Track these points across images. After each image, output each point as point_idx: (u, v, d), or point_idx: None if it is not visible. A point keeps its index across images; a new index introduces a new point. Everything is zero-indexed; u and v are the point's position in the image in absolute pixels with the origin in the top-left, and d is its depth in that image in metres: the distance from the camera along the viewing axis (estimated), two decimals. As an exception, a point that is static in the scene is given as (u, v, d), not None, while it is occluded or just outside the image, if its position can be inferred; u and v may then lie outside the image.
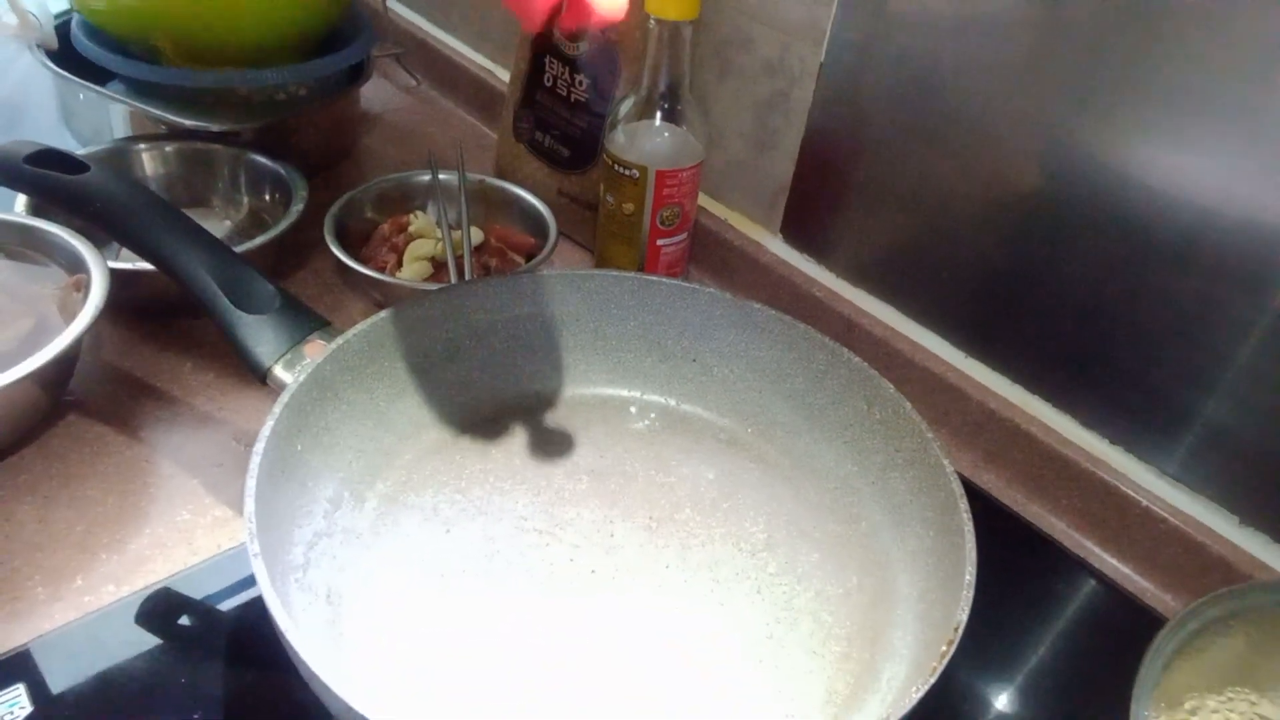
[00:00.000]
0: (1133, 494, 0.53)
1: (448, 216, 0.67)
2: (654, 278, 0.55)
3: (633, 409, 0.56)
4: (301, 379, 0.44)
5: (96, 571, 0.47)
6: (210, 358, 0.59)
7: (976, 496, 0.44)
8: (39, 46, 0.69)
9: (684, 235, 0.66)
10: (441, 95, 0.92)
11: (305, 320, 0.47)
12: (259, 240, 0.60)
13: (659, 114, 0.61)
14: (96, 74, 0.69)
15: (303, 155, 0.70)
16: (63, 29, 0.70)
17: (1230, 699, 0.35)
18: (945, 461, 0.44)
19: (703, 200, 0.71)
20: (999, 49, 0.52)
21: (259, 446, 0.40)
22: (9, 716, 0.41)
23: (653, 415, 0.55)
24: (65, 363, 0.52)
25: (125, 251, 0.61)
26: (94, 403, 0.56)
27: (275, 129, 0.70)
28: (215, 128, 0.67)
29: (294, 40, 0.71)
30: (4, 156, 0.48)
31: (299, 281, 0.66)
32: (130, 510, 0.50)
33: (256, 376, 0.46)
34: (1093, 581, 0.54)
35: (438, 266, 0.65)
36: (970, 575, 0.39)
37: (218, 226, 0.69)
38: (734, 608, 0.45)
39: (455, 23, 0.92)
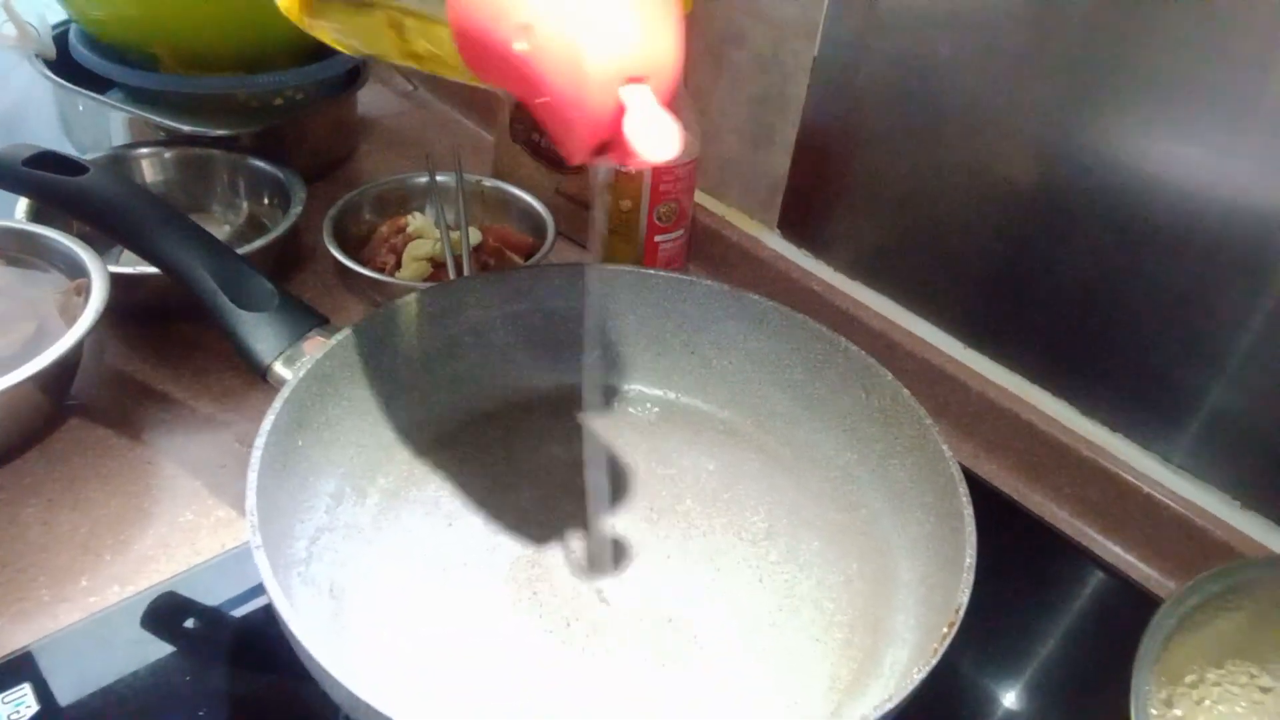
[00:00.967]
0: (1134, 481, 0.54)
1: (446, 217, 0.67)
2: (651, 271, 0.55)
3: (632, 402, 0.56)
4: (301, 375, 0.44)
5: (101, 572, 0.47)
6: (211, 361, 0.59)
7: (977, 486, 0.44)
8: (38, 56, 0.69)
9: (681, 231, 0.66)
10: (438, 99, 0.92)
11: (304, 318, 0.47)
12: (259, 243, 0.60)
13: (654, 111, 0.62)
14: (95, 83, 0.69)
15: (301, 160, 0.70)
16: (61, 39, 0.71)
17: (1230, 671, 0.35)
18: (944, 447, 0.44)
19: (700, 198, 0.71)
20: (992, 41, 0.52)
21: (259, 441, 0.40)
22: (15, 716, 0.41)
23: (653, 408, 0.56)
24: (67, 366, 0.53)
25: (125, 256, 0.61)
26: (97, 406, 0.56)
27: (273, 134, 0.70)
28: (214, 133, 0.67)
29: (291, 45, 0.71)
30: (3, 160, 0.48)
31: (299, 284, 0.67)
32: (134, 511, 0.50)
33: (257, 373, 0.46)
34: (1095, 570, 0.54)
35: (437, 266, 0.65)
36: (970, 558, 0.39)
37: (217, 231, 0.68)
38: (736, 596, 0.46)
39: (451, 28, 0.92)
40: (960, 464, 0.44)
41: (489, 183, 0.71)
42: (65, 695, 0.42)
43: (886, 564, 0.46)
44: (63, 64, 0.70)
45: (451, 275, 0.63)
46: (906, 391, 0.47)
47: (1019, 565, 0.53)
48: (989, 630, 0.47)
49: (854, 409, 0.50)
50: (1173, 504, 0.52)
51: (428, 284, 0.63)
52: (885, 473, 0.48)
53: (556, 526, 0.49)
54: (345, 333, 0.47)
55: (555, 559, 0.47)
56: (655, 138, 0.30)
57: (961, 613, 0.37)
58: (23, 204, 0.60)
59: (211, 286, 0.45)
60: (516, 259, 0.67)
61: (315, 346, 0.46)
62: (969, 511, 0.41)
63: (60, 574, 0.47)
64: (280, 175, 0.68)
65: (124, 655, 0.44)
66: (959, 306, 0.60)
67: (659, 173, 0.62)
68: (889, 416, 0.48)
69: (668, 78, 0.32)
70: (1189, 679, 0.36)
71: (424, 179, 0.70)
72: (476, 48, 0.32)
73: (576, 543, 0.48)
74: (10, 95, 0.69)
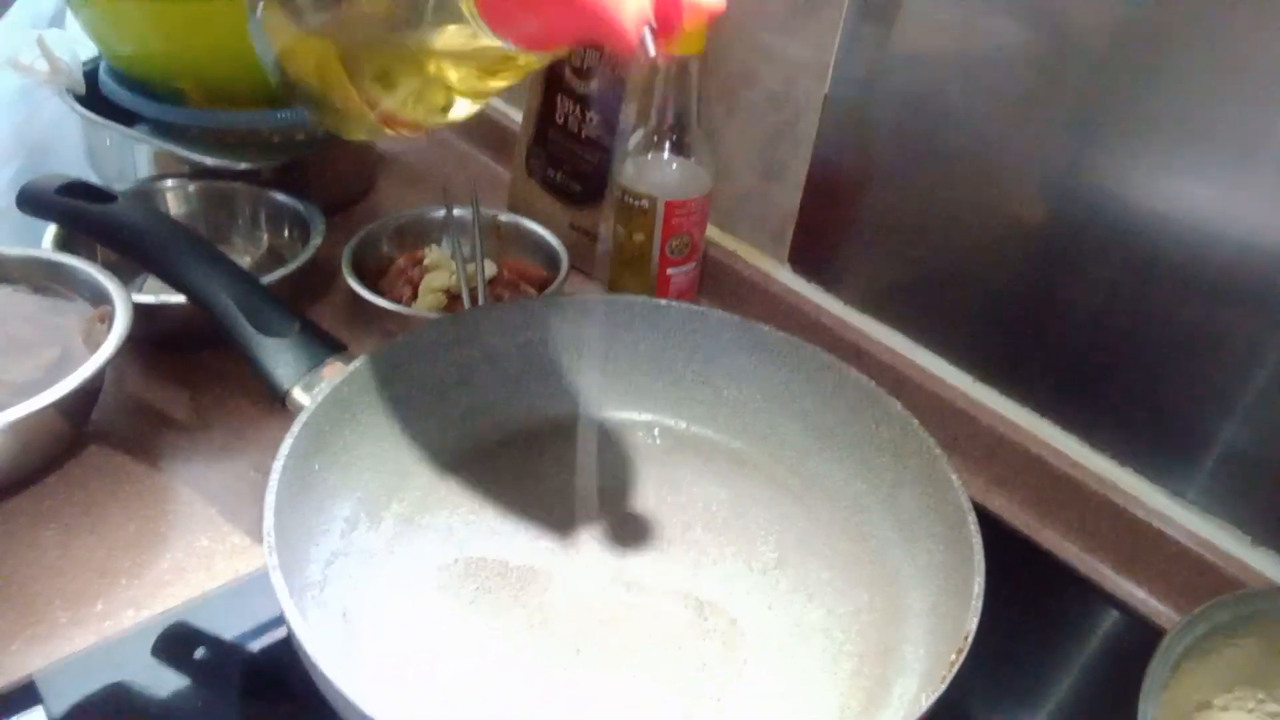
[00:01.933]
0: (1144, 516, 0.53)
1: (462, 250, 0.68)
2: (663, 301, 0.56)
3: (644, 431, 0.56)
4: (320, 400, 0.45)
5: (116, 596, 0.47)
6: (229, 389, 0.60)
7: (988, 521, 0.44)
8: (68, 91, 0.71)
9: (693, 264, 0.67)
10: (455, 136, 0.94)
11: (324, 345, 0.48)
12: (279, 272, 0.61)
13: (668, 146, 0.63)
14: (122, 116, 0.71)
15: (321, 194, 0.72)
16: (90, 74, 0.73)
17: (1239, 696, 0.35)
18: (953, 477, 0.44)
19: (711, 232, 0.72)
20: (1001, 80, 0.53)
21: (278, 464, 0.41)
22: (30, 739, 0.41)
23: (664, 437, 0.56)
24: (88, 392, 0.53)
25: (148, 285, 0.63)
26: (115, 432, 0.57)
27: (295, 168, 0.71)
28: (237, 167, 0.69)
29: (313, 82, 0.73)
30: (36, 188, 0.50)
31: (317, 314, 0.67)
32: (150, 537, 0.51)
33: (276, 398, 0.47)
34: (1107, 605, 0.53)
35: (452, 298, 0.66)
36: (979, 585, 0.39)
37: (238, 262, 0.70)
38: (746, 626, 0.46)
39: (469, 67, 0.94)
40: (970, 497, 0.44)
41: (505, 216, 0.72)
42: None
43: (896, 594, 0.46)
44: (91, 98, 0.72)
45: (467, 307, 0.64)
46: (916, 422, 0.47)
47: (1029, 600, 0.52)
48: (999, 666, 0.47)
49: (864, 439, 0.50)
50: (1184, 540, 0.52)
51: (443, 315, 0.64)
52: (895, 503, 0.49)
53: (568, 553, 0.49)
54: (363, 359, 0.48)
55: (566, 586, 0.47)
56: None
57: (970, 639, 0.37)
58: (50, 235, 0.61)
59: (234, 312, 0.46)
60: (531, 291, 0.68)
61: (334, 372, 0.47)
62: (978, 540, 0.41)
63: (76, 597, 0.47)
64: (300, 208, 0.69)
65: (139, 679, 0.44)
66: (970, 341, 0.60)
67: (671, 207, 0.63)
68: (899, 447, 0.48)
69: None
70: (1195, 701, 0.36)
71: (441, 212, 0.71)
72: None
73: (588, 569, 0.48)
74: (40, 128, 0.70)
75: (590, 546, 0.49)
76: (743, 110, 0.68)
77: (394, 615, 0.44)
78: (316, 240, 0.65)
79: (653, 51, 0.31)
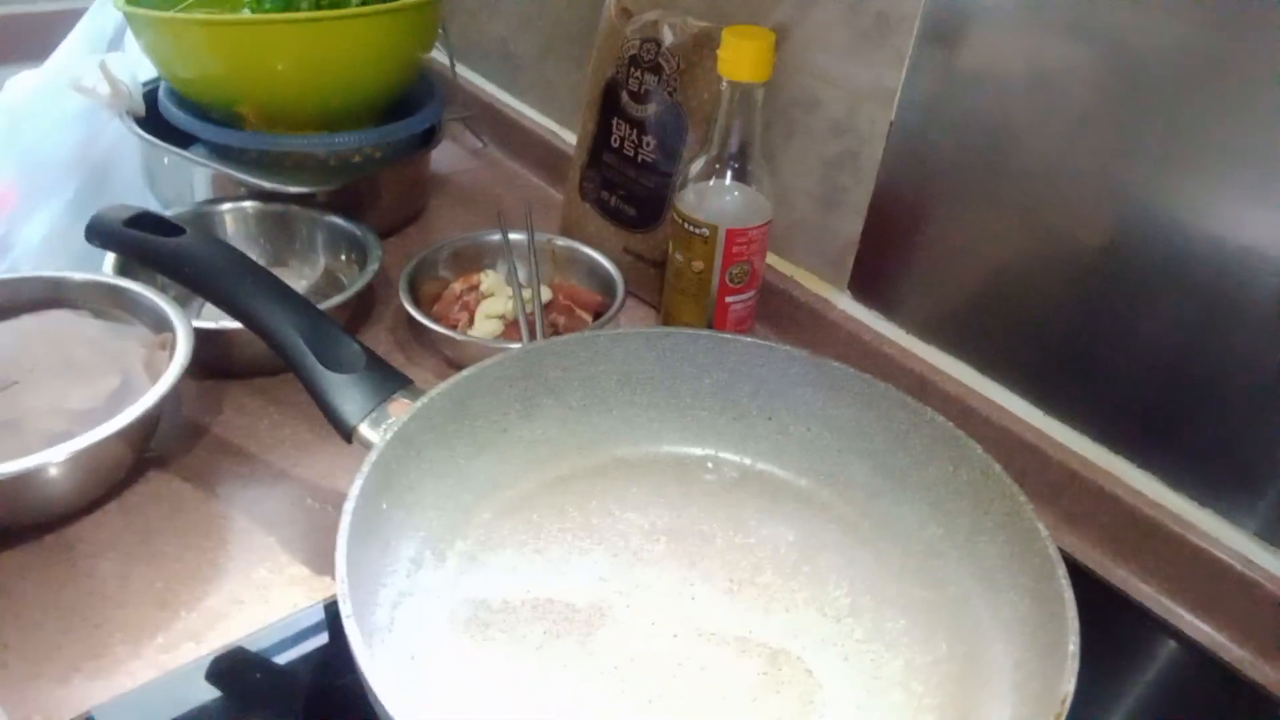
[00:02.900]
0: (1225, 558, 0.52)
1: (517, 275, 0.67)
2: (729, 335, 0.55)
3: (708, 467, 0.55)
4: (388, 437, 0.44)
5: (175, 629, 0.47)
6: (285, 415, 0.60)
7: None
8: (128, 113, 0.71)
9: (753, 292, 0.66)
10: (507, 157, 0.94)
11: (390, 379, 0.47)
12: (337, 299, 0.61)
13: (729, 173, 0.62)
14: (181, 139, 0.71)
15: (376, 216, 0.71)
16: (150, 96, 0.73)
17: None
18: (1039, 525, 0.43)
19: (769, 258, 0.71)
20: (1069, 106, 0.52)
21: (349, 505, 0.40)
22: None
23: (729, 474, 0.55)
24: (150, 421, 0.53)
25: (206, 310, 0.62)
26: (173, 459, 0.56)
27: (350, 191, 0.71)
28: (294, 189, 0.69)
29: (369, 105, 0.73)
30: (104, 220, 0.50)
31: (371, 339, 0.67)
32: (208, 567, 0.50)
33: (342, 434, 0.46)
34: (1185, 650, 0.52)
35: (508, 324, 0.65)
36: (1074, 645, 0.38)
37: (294, 285, 0.70)
38: (821, 677, 0.44)
39: (522, 87, 0.94)
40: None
41: (560, 241, 0.72)
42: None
43: (977, 646, 0.45)
44: (151, 120, 0.72)
45: (523, 333, 0.63)
46: (998, 466, 0.46)
47: (1103, 643, 0.51)
48: (1071, 709, 0.45)
49: (939, 482, 0.49)
50: (1266, 583, 0.50)
51: (500, 342, 0.63)
52: (973, 549, 0.47)
53: (636, 594, 0.48)
54: (429, 396, 0.47)
55: (636, 630, 0.46)
56: None
57: (1068, 703, 0.35)
58: (110, 260, 0.61)
59: (302, 349, 0.45)
60: (586, 317, 0.68)
61: (399, 409, 0.46)
62: (1069, 595, 0.40)
63: (136, 630, 0.47)
64: (356, 231, 0.69)
65: (194, 713, 0.43)
66: (1037, 372, 0.59)
67: (732, 235, 0.61)
68: (978, 491, 0.47)
69: None
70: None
71: (496, 236, 0.71)
72: None
73: (658, 612, 0.47)
74: (100, 149, 0.71)
75: (658, 588, 0.48)
76: (802, 135, 0.67)
77: (461, 658, 0.44)
78: (374, 266, 0.65)
79: None
